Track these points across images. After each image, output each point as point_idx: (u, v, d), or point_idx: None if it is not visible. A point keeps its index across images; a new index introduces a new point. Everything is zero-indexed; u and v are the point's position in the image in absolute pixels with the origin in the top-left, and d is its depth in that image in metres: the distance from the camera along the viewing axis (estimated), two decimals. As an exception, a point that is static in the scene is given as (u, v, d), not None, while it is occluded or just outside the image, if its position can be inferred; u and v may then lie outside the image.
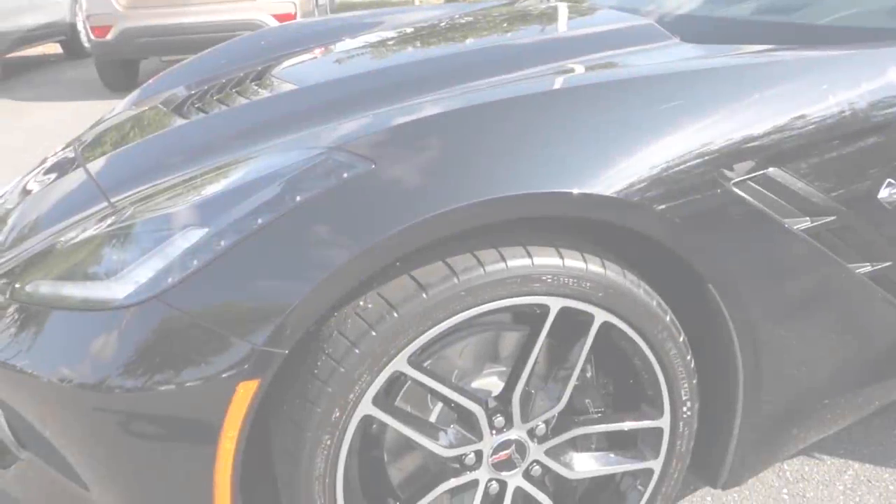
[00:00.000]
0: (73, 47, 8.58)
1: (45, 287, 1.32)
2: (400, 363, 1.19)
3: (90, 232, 1.38)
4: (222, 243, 1.16)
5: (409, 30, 2.34)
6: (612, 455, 1.43)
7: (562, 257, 1.23)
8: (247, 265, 1.15)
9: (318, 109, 1.59)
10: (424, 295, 1.17)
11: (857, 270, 1.43)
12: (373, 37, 2.27)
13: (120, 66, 6.56)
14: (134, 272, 1.22)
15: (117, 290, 1.21)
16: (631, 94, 1.32)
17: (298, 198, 1.17)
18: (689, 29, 1.73)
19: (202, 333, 1.12)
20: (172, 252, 1.20)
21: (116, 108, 2.35)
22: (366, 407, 1.20)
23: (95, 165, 1.69)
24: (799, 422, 1.52)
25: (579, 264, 1.24)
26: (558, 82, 1.39)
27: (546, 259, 1.22)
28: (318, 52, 2.19)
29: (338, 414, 1.18)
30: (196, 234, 1.20)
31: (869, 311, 1.48)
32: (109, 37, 6.25)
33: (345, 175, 1.18)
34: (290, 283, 1.13)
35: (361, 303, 1.19)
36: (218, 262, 1.15)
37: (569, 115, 1.28)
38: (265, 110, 1.71)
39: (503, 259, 1.20)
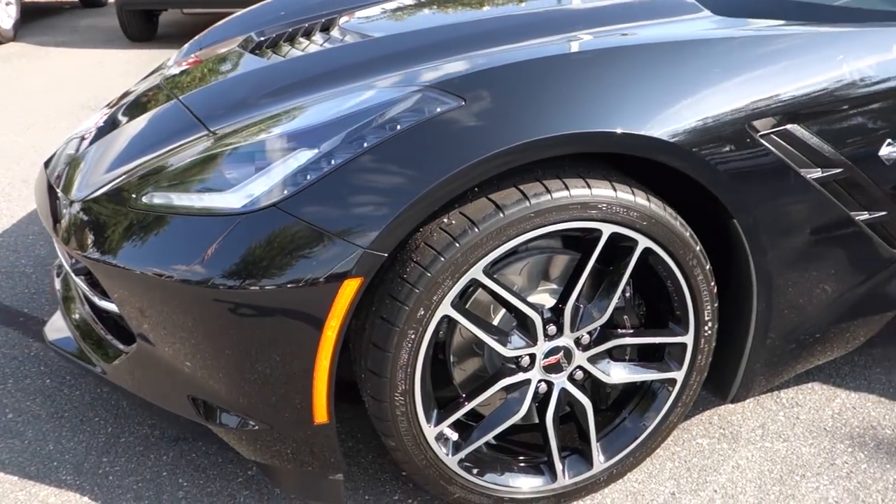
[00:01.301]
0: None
1: (158, 198, 1.53)
2: (476, 272, 1.41)
3: (201, 153, 1.59)
4: (332, 162, 1.38)
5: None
6: (642, 366, 1.66)
7: (615, 189, 1.45)
8: (355, 181, 1.36)
9: (391, 57, 1.80)
10: (501, 214, 1.39)
11: (857, 217, 1.66)
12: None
13: (141, 16, 6.67)
14: (249, 186, 1.43)
15: (233, 200, 1.42)
16: (676, 55, 1.54)
17: (399, 126, 1.38)
18: (718, 4, 1.95)
19: (317, 237, 1.34)
20: (285, 170, 1.41)
21: (176, 56, 2.54)
22: (445, 308, 1.42)
23: (187, 99, 1.89)
24: (798, 349, 1.76)
25: (629, 196, 1.46)
26: (615, 42, 1.60)
27: (602, 190, 1.44)
28: (373, 9, 2.39)
29: (422, 312, 1.40)
30: (306, 155, 1.42)
31: (862, 254, 1.71)
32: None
33: (438, 109, 1.39)
34: (392, 198, 1.34)
35: (445, 220, 1.40)
36: (330, 178, 1.37)
37: (625, 70, 1.49)
38: (341, 56, 1.91)
39: (566, 188, 1.42)
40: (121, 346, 1.69)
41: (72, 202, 1.68)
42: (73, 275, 1.79)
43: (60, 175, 1.85)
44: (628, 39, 1.64)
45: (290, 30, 2.26)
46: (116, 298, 1.57)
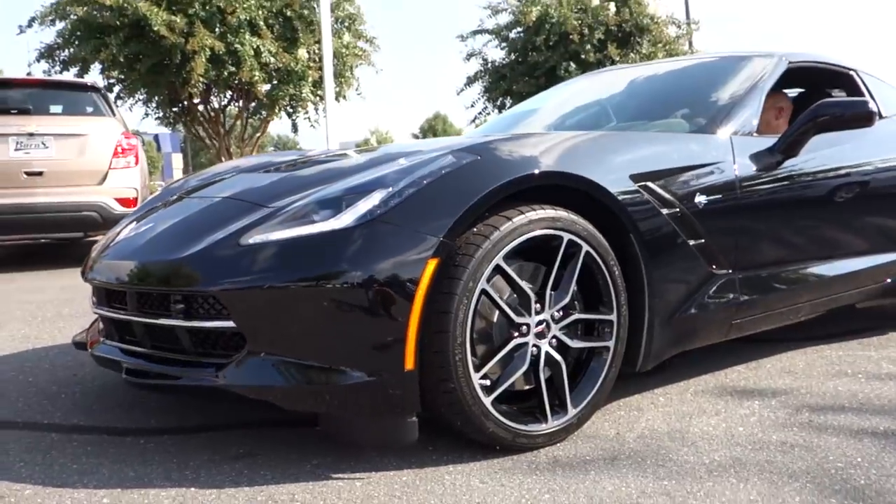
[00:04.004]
0: None
1: (258, 238, 2.19)
2: (499, 259, 2.22)
3: (281, 213, 2.28)
4: (407, 192, 2.17)
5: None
6: (588, 338, 2.49)
7: (567, 210, 2.36)
8: (425, 201, 2.16)
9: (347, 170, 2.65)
10: (510, 222, 2.23)
11: (689, 242, 2.69)
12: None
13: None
14: (344, 215, 2.16)
15: (336, 224, 2.14)
16: (592, 141, 2.56)
17: (443, 171, 2.22)
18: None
19: (410, 233, 2.09)
20: (371, 201, 2.17)
21: (161, 193, 3.19)
22: (483, 283, 2.19)
23: (235, 195, 2.58)
24: (675, 332, 2.68)
25: (574, 216, 2.37)
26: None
27: (561, 211, 2.35)
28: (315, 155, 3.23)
29: (471, 285, 2.15)
30: (380, 194, 2.19)
31: (695, 268, 2.72)
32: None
33: (464, 161, 2.26)
34: (451, 208, 2.14)
35: (475, 229, 2.21)
36: (407, 201, 2.15)
37: (557, 147, 2.47)
38: (326, 169, 2.72)
39: (543, 208, 2.31)
40: (220, 360, 2.21)
41: (179, 259, 2.26)
42: (173, 313, 2.28)
43: (135, 253, 2.43)
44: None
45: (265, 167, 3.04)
46: (236, 314, 2.14)
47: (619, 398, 2.82)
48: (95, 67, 14.32)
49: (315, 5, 13.52)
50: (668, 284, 2.63)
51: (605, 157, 2.52)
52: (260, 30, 13.83)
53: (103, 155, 7.28)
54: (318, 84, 14.28)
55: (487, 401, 2.23)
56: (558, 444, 2.39)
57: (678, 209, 2.64)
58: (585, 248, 2.40)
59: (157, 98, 15.04)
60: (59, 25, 13.98)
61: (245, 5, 13.41)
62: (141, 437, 2.53)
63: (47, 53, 14.30)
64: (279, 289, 2.09)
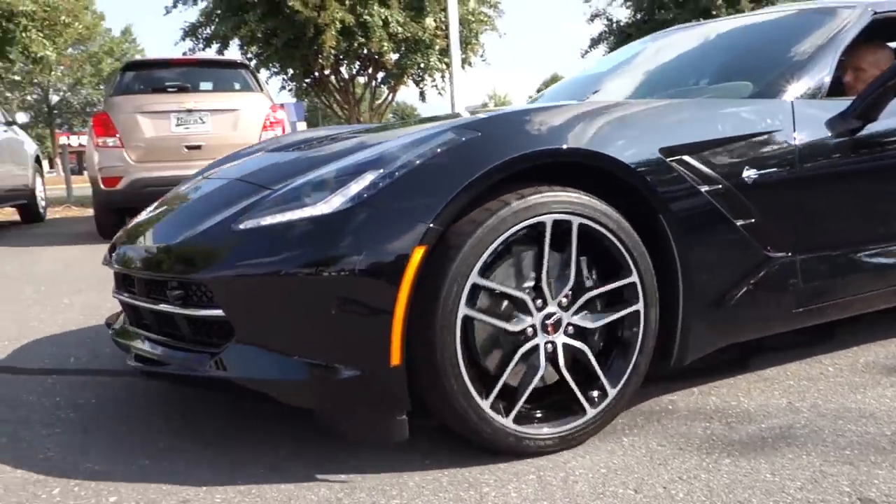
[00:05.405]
0: (30, 213, 9.25)
1: (249, 224, 2.13)
2: (475, 278, 2.02)
3: (274, 196, 2.22)
4: (398, 173, 2.05)
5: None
6: (612, 309, 2.26)
7: (580, 193, 2.16)
8: (414, 182, 2.03)
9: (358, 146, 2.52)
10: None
11: (737, 222, 2.41)
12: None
13: (117, 213, 7.49)
14: (332, 199, 2.06)
15: (324, 208, 2.04)
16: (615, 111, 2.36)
17: (439, 149, 2.09)
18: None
19: (395, 218, 1.98)
20: (362, 183, 2.06)
21: (200, 171, 3.26)
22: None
23: (243, 178, 2.57)
24: (714, 327, 2.43)
25: (553, 191, 2.13)
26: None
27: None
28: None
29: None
30: (375, 173, 2.07)
31: (742, 249, 2.45)
32: (119, 186, 7.33)
33: (463, 139, 2.11)
34: (442, 191, 1.99)
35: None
36: (396, 182, 2.03)
37: (572, 117, 2.27)
38: (328, 150, 2.64)
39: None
40: (215, 350, 2.17)
41: (175, 244, 2.27)
42: (170, 300, 2.27)
43: (144, 238, 2.48)
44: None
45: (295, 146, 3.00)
46: (224, 302, 2.10)
47: (785, 364, 2.79)
48: (234, 43, 15.02)
49: (439, -27, 13.51)
50: (708, 269, 2.38)
51: (625, 130, 2.29)
52: (388, 0, 13.98)
53: (254, 128, 7.76)
54: (445, 52, 14.27)
55: (509, 422, 2.11)
56: (730, 413, 2.39)
57: (721, 185, 2.38)
58: (577, 221, 2.15)
59: (291, 71, 15.58)
60: (201, 5, 14.75)
61: (373, -23, 13.67)
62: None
63: (191, 31, 15.10)
64: (263, 277, 2.02)
